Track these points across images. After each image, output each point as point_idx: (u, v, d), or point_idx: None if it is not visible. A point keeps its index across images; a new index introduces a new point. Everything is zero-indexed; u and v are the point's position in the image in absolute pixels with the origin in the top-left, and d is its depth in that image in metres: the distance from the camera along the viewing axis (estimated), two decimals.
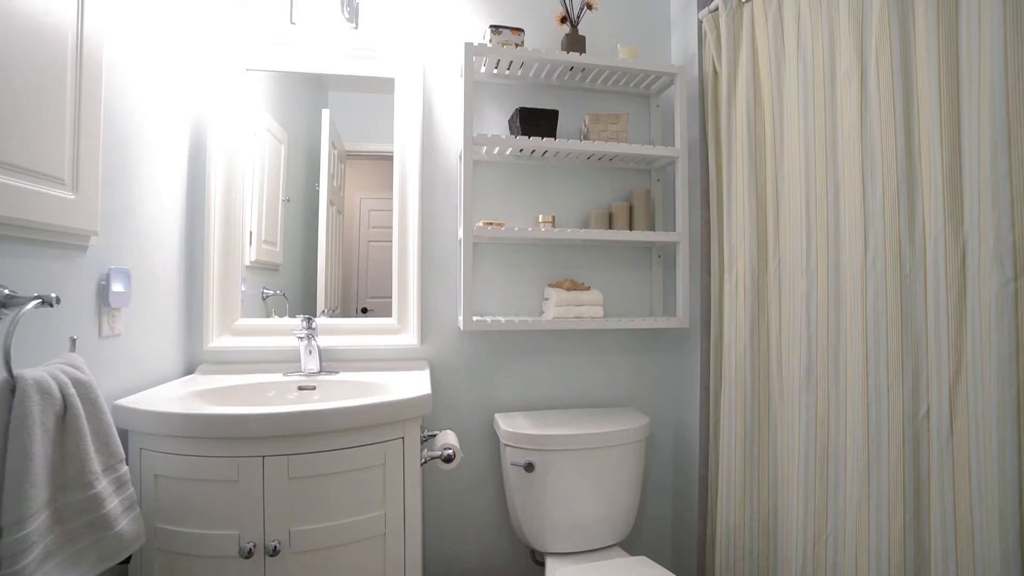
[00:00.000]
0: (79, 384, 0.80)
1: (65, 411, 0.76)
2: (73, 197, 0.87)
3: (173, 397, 1.06)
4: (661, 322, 1.45)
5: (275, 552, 0.95)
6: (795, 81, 1.17)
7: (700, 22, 1.47)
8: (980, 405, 0.79)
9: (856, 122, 1.01)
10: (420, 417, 1.12)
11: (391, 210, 1.47)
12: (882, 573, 0.93)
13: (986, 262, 0.78)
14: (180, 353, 1.32)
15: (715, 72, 1.42)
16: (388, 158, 1.48)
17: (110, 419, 0.85)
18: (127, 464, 0.88)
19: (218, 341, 1.36)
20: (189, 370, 1.35)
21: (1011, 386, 0.75)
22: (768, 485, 1.26)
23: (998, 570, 0.75)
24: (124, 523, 0.83)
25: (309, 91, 1.52)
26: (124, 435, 0.94)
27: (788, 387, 1.19)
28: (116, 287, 1.01)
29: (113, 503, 0.82)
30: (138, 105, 1.12)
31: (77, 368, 0.81)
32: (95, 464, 0.80)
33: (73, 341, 0.88)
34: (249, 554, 0.94)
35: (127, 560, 0.90)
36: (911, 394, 0.92)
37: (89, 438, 0.79)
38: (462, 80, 1.37)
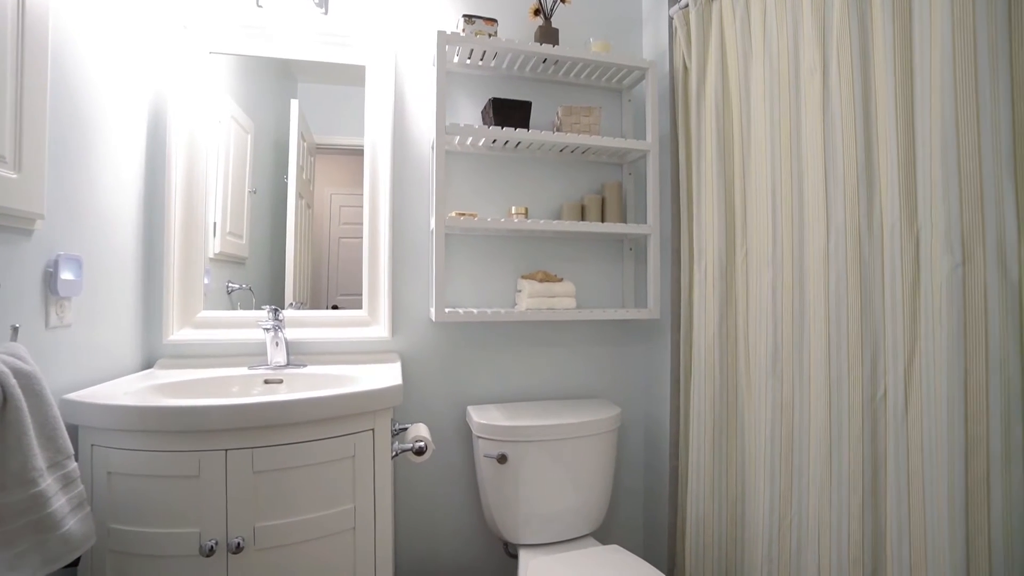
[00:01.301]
0: (21, 375, 0.75)
1: (4, 403, 0.72)
2: (15, 176, 0.82)
3: (128, 391, 1.01)
4: (632, 313, 1.46)
5: (238, 549, 0.91)
6: (761, 75, 1.20)
7: (671, 18, 1.49)
8: (932, 384, 0.83)
9: (819, 115, 1.05)
10: (391, 408, 1.10)
11: (362, 206, 1.44)
12: (842, 550, 0.97)
13: (937, 248, 0.82)
14: (137, 347, 1.26)
15: (685, 67, 1.44)
16: (359, 153, 1.45)
17: (56, 412, 0.80)
18: (76, 461, 0.83)
19: (179, 334, 1.30)
20: (147, 365, 1.29)
21: (959, 365, 0.78)
22: (736, 473, 1.29)
23: (946, 540, 0.79)
24: (72, 523, 0.78)
25: (277, 81, 1.48)
26: (74, 431, 0.89)
27: (755, 375, 1.22)
28: (65, 275, 0.96)
29: (59, 502, 0.77)
30: (93, 81, 1.06)
31: (19, 358, 0.76)
32: (39, 460, 0.75)
33: (15, 330, 0.82)
34: (211, 552, 0.90)
35: (75, 563, 0.85)
36: (870, 377, 0.95)
37: (32, 432, 0.74)
38: (435, 69, 1.35)
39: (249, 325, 1.33)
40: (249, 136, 1.46)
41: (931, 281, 0.83)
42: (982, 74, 0.78)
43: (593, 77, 1.55)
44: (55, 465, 0.78)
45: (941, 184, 0.82)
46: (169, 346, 1.30)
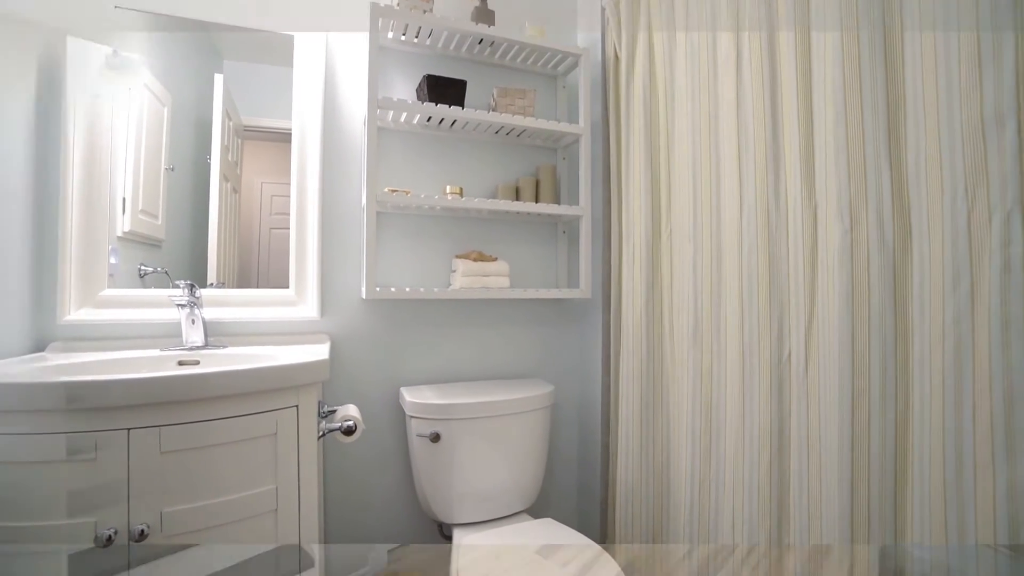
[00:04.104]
0: None
1: None
2: None
3: (8, 374, 0.90)
4: (565, 293, 1.50)
5: (142, 536, 0.84)
6: (684, 64, 1.27)
7: (603, 8, 1.55)
8: (827, 342, 0.91)
9: (733, 100, 1.12)
10: (317, 385, 1.06)
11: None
12: (752, 503, 1.04)
13: (831, 217, 0.90)
14: (25, 327, 1.14)
15: (616, 56, 1.50)
16: (290, 138, 1.39)
17: None
18: None
19: (77, 314, 1.18)
20: (38, 348, 1.17)
21: (847, 322, 0.87)
22: (662, 443, 1.35)
23: (835, 484, 0.87)
24: None
25: (200, 54, 1.38)
26: None
27: (679, 347, 1.28)
28: None
29: None
30: None
31: None
32: None
33: None
34: (109, 542, 0.82)
35: None
36: (777, 340, 1.03)
37: None
38: (368, 44, 1.32)
39: (162, 304, 1.24)
40: (166, 109, 1.35)
41: (826, 247, 0.92)
42: (864, 64, 0.88)
43: (529, 61, 1.58)
44: None
45: (833, 156, 0.90)
46: (65, 327, 1.18)
